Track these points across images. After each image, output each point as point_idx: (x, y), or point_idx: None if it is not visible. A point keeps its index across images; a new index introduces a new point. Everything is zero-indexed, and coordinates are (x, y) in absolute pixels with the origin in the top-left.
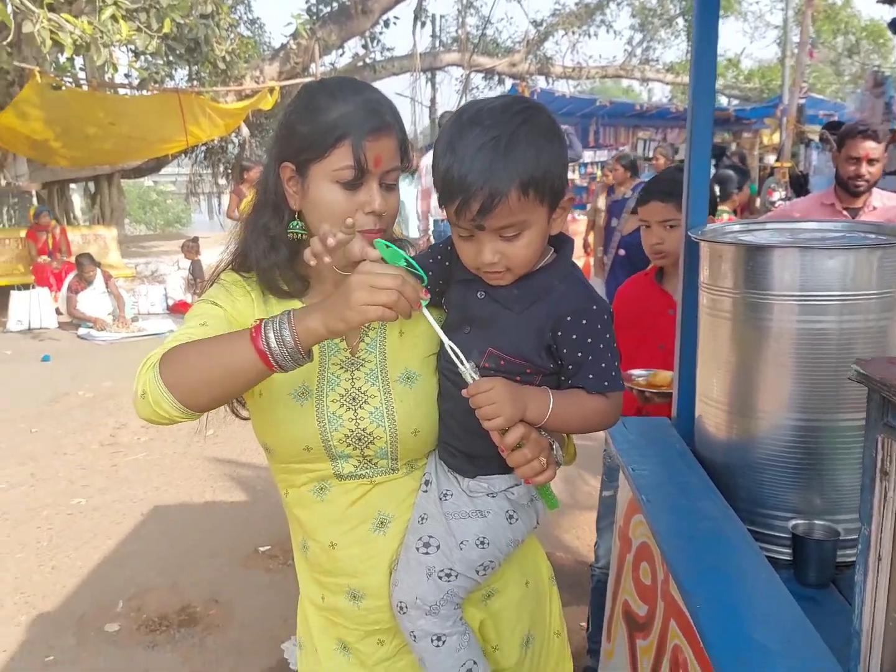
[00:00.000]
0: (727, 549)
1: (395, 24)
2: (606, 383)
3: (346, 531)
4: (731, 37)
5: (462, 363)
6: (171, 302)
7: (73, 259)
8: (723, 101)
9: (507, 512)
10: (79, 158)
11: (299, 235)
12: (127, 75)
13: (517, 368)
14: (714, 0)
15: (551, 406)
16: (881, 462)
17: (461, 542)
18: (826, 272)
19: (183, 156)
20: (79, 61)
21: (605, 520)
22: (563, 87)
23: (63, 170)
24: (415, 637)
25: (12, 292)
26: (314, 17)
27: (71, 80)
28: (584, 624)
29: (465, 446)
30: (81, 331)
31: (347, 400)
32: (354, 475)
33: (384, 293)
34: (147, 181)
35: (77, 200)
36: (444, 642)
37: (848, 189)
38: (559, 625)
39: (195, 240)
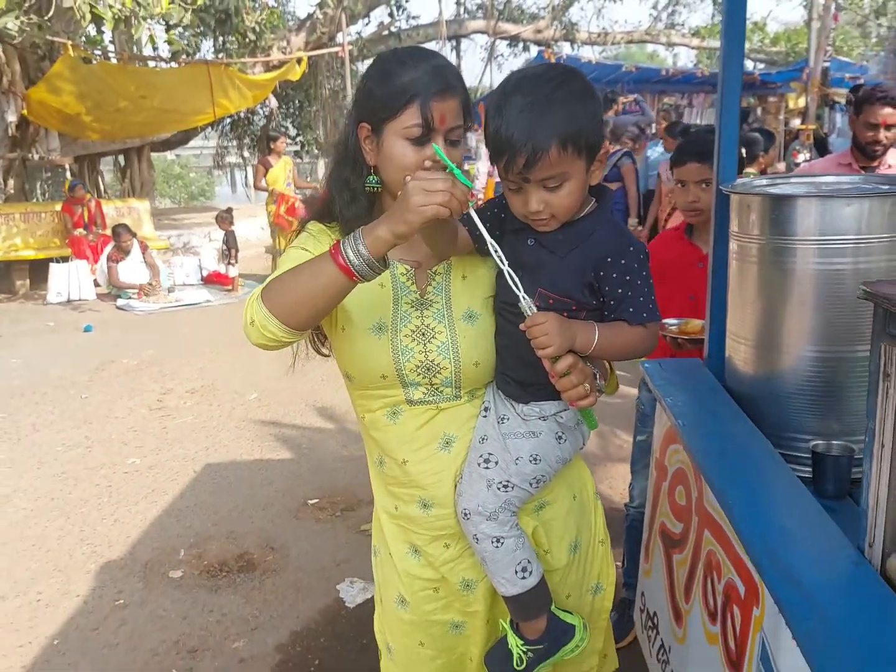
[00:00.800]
0: (754, 460)
1: None
2: (645, 315)
3: (416, 449)
4: (758, 0)
5: (519, 290)
6: (205, 273)
7: (108, 231)
8: (748, 65)
9: (557, 433)
10: (110, 132)
11: (375, 188)
12: (155, 48)
13: (564, 306)
14: None
15: (597, 337)
16: (884, 365)
17: (516, 458)
18: (843, 219)
19: (210, 128)
20: (107, 35)
21: (639, 463)
22: (589, 53)
23: (93, 144)
24: (477, 539)
25: (51, 265)
26: None
27: (101, 53)
28: (618, 563)
29: (520, 376)
30: (120, 302)
31: (418, 335)
32: (423, 401)
33: (438, 194)
34: (170, 155)
35: (105, 174)
36: (502, 543)
37: (865, 153)
38: (603, 534)
39: (229, 210)
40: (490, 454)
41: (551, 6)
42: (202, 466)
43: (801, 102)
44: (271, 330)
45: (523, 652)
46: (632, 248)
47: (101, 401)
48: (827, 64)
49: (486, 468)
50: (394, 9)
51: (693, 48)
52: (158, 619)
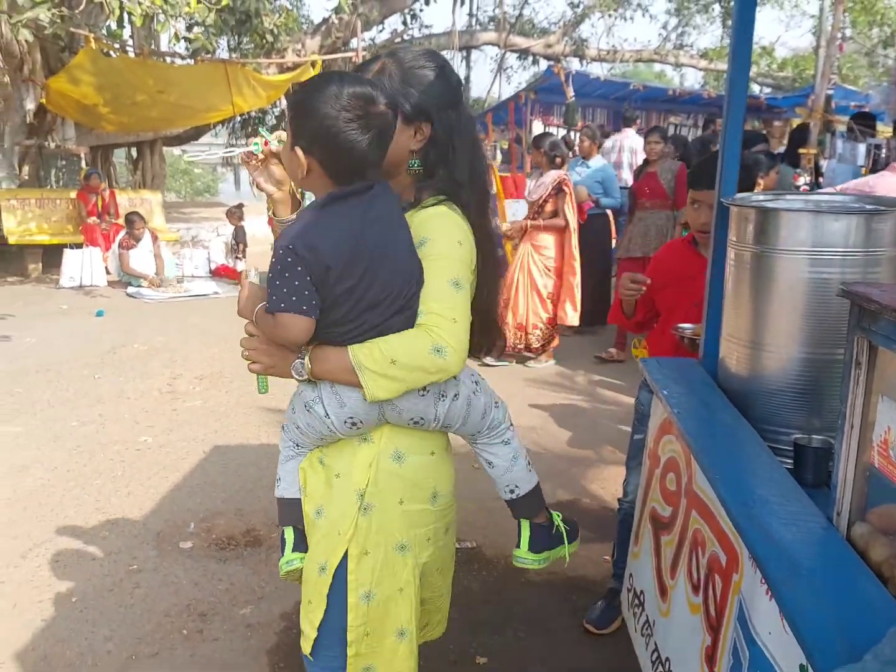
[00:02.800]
0: (741, 443)
1: (435, 1)
2: (266, 304)
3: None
4: (767, 25)
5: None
6: (213, 266)
7: (121, 221)
8: (755, 88)
9: (303, 401)
10: (125, 124)
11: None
12: (177, 45)
13: None
14: None
15: (256, 312)
16: (856, 355)
17: (291, 402)
18: (831, 233)
19: (220, 126)
20: (127, 29)
21: (634, 460)
22: (598, 70)
23: (108, 135)
24: None
25: (66, 251)
26: None
27: (120, 46)
28: (607, 557)
29: None
30: (130, 289)
31: None
32: None
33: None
34: (176, 150)
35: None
36: (280, 452)
37: None
38: (345, 528)
39: (240, 207)
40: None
41: (562, 22)
42: (211, 448)
43: None
44: None
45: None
46: (278, 242)
47: (114, 382)
48: (831, 91)
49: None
50: (407, 17)
51: (701, 69)
52: (170, 584)
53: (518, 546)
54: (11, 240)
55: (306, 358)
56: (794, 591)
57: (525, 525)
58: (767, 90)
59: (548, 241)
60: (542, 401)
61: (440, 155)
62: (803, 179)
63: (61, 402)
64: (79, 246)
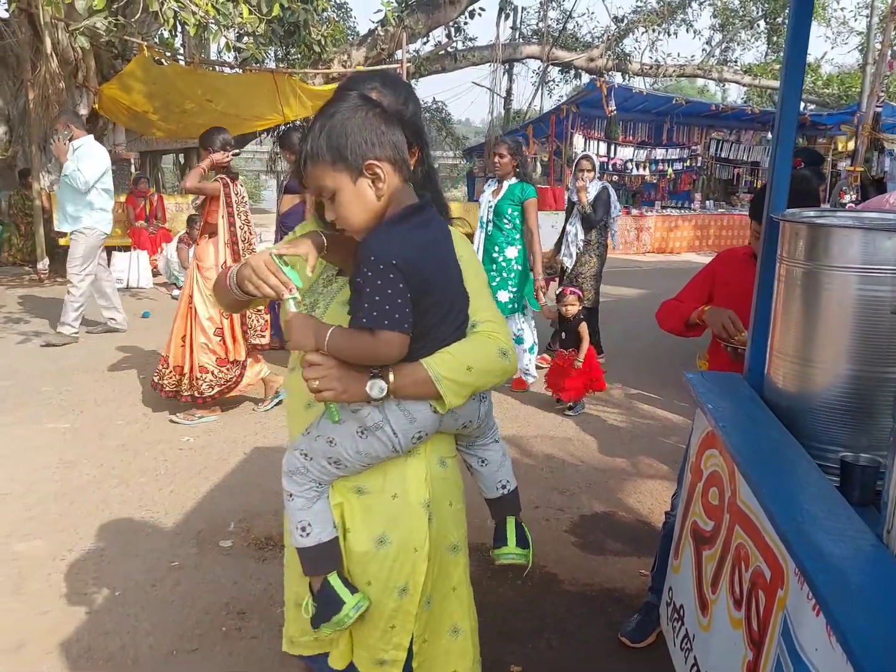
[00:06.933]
0: (787, 458)
1: (479, 14)
2: (365, 319)
3: (292, 402)
4: (812, 42)
5: (290, 290)
6: None
7: (167, 225)
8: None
9: (358, 427)
10: (174, 131)
11: None
12: (220, 53)
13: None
14: (807, 5)
15: (328, 337)
16: None
17: (317, 436)
18: (884, 250)
19: (265, 134)
20: (178, 39)
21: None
22: (640, 84)
23: (156, 141)
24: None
25: (114, 253)
26: (402, 5)
27: (171, 55)
28: (643, 571)
29: None
30: (175, 292)
31: (306, 304)
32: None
33: (258, 281)
34: None
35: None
36: (293, 499)
37: None
38: (420, 542)
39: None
40: (311, 425)
41: (606, 36)
42: (251, 449)
43: (851, 146)
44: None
45: (310, 604)
46: (372, 258)
47: None
48: (879, 109)
49: (303, 435)
50: (452, 30)
51: (745, 85)
52: (210, 581)
53: (505, 544)
54: (62, 241)
55: (390, 374)
56: (844, 607)
57: (511, 522)
58: (812, 107)
59: None
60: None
61: (427, 177)
62: (849, 197)
63: (107, 402)
64: (126, 249)
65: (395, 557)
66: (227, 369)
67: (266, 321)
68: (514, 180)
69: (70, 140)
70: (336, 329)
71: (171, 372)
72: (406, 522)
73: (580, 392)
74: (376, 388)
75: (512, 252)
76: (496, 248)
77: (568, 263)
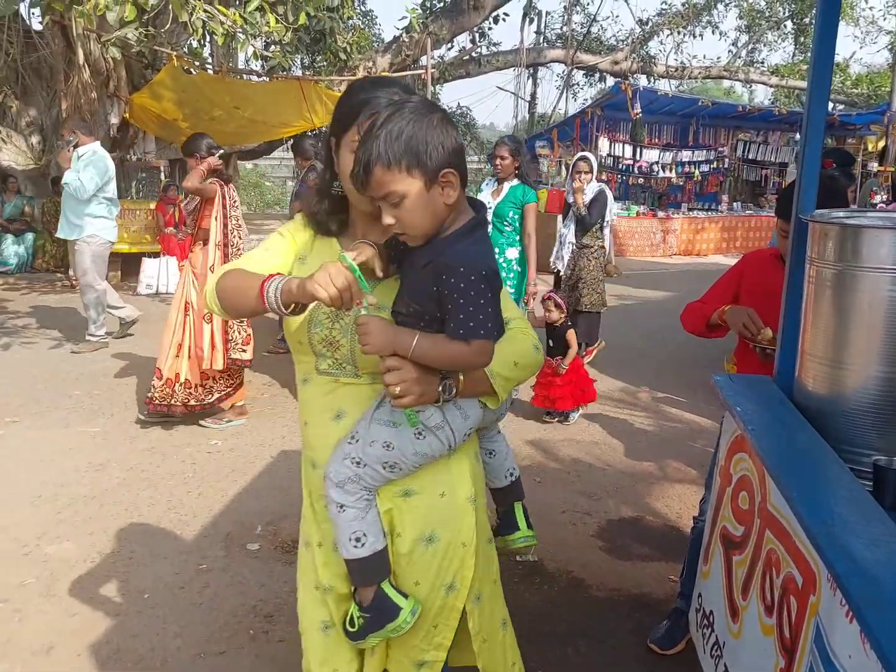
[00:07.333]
0: (818, 461)
1: (504, 20)
2: (462, 331)
3: (315, 413)
4: (840, 41)
5: (366, 292)
6: None
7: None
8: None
9: (417, 428)
10: None
11: (339, 191)
12: (247, 61)
13: (417, 314)
14: (835, 5)
15: (414, 344)
16: None
17: (371, 441)
18: None
19: (291, 140)
20: (206, 48)
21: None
22: (665, 86)
23: None
24: (327, 501)
25: (144, 259)
26: (427, 12)
27: (200, 64)
28: (672, 577)
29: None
30: None
31: (332, 314)
32: (328, 373)
33: (332, 289)
34: (248, 164)
35: None
36: (344, 510)
37: None
38: (469, 538)
39: None
40: (357, 432)
41: (630, 39)
42: (278, 452)
43: (881, 145)
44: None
45: (356, 616)
46: (462, 269)
47: None
48: None
49: (349, 443)
50: (476, 35)
51: (771, 86)
52: (238, 584)
53: (517, 528)
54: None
55: (460, 375)
56: (878, 613)
57: (518, 507)
58: (840, 107)
59: None
60: (604, 415)
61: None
62: (879, 197)
63: (136, 405)
64: (156, 255)
65: (443, 555)
66: (207, 386)
67: (248, 335)
68: (515, 182)
69: (75, 147)
70: (422, 336)
71: (163, 384)
72: (455, 519)
73: (572, 399)
74: (449, 389)
75: (512, 253)
76: (496, 249)
77: (560, 266)
